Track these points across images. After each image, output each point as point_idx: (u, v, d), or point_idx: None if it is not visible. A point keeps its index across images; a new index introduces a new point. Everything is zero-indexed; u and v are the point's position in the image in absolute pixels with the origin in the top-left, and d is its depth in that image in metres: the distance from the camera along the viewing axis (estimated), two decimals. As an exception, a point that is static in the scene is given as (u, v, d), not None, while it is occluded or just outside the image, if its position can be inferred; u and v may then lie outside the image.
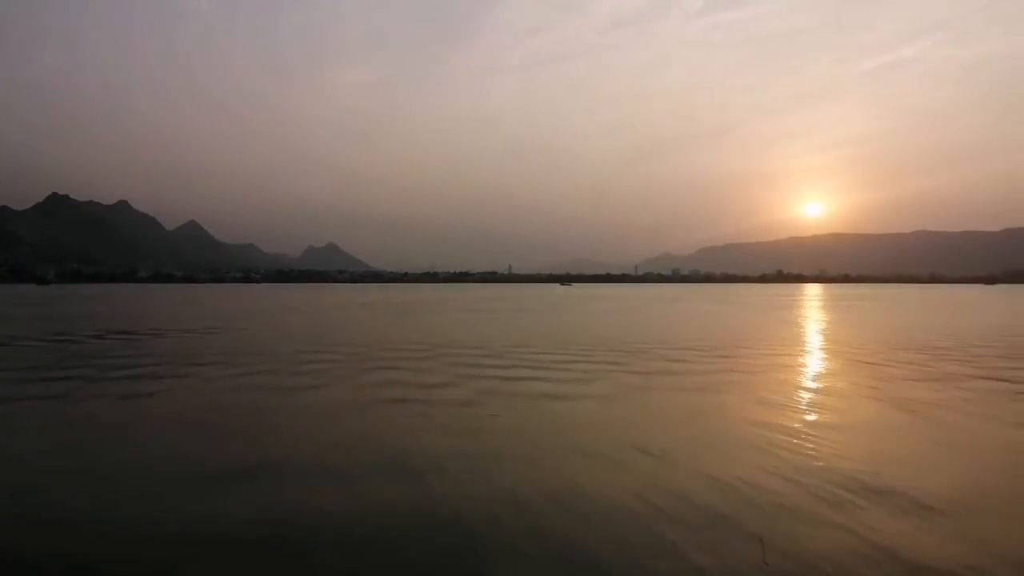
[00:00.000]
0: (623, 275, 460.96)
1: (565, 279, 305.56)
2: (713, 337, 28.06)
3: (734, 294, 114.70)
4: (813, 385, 15.20)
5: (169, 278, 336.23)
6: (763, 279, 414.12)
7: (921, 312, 52.21)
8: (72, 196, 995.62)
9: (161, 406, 12.45)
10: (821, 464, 8.43)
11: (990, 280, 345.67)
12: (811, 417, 11.37)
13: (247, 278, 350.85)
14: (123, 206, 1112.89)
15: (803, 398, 13.45)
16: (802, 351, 22.76)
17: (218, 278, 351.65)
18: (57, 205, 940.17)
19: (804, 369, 18.10)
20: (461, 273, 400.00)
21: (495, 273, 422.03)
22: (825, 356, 21.25)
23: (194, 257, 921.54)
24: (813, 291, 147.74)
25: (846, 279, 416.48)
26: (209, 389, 14.21)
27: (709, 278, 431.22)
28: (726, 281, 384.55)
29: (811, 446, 9.38)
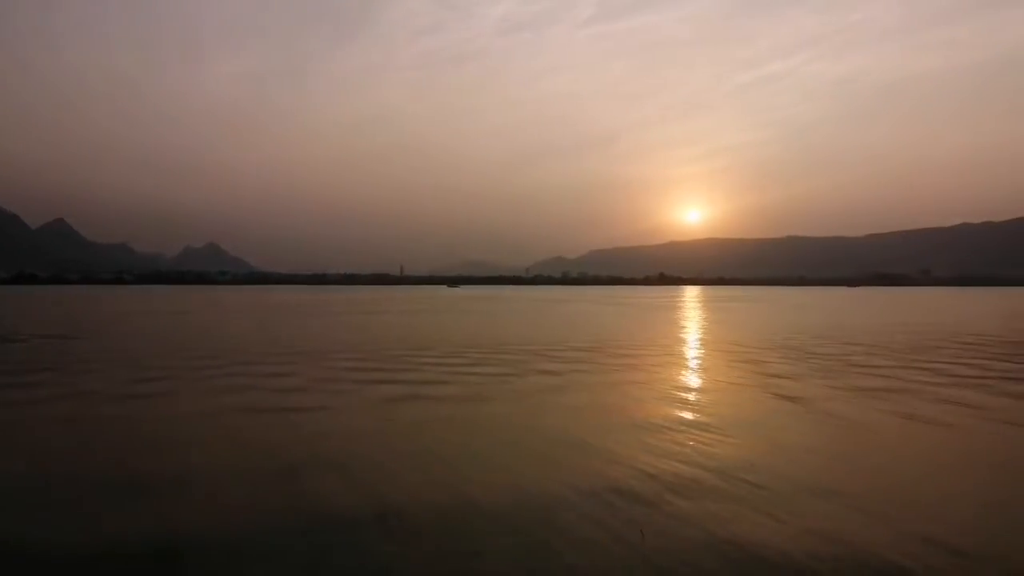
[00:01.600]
0: (515, 277, 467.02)
1: (453, 281, 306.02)
2: (594, 337, 29.72)
3: (619, 295, 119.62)
4: (690, 382, 16.73)
5: (32, 279, 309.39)
6: (647, 281, 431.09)
7: (784, 313, 56.78)
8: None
9: None
10: (699, 457, 8.80)
11: (853, 283, 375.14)
12: (689, 412, 12.30)
13: (119, 279, 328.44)
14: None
15: (680, 394, 14.85)
16: (679, 349, 24.67)
17: (87, 279, 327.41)
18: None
19: (680, 366, 19.77)
20: (351, 275, 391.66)
21: (387, 275, 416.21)
22: (702, 354, 23.22)
23: (61, 257, 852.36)
24: (692, 293, 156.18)
25: (721, 281, 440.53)
26: None
27: (597, 280, 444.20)
28: (613, 283, 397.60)
29: (690, 440, 9.97)
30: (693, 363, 19.46)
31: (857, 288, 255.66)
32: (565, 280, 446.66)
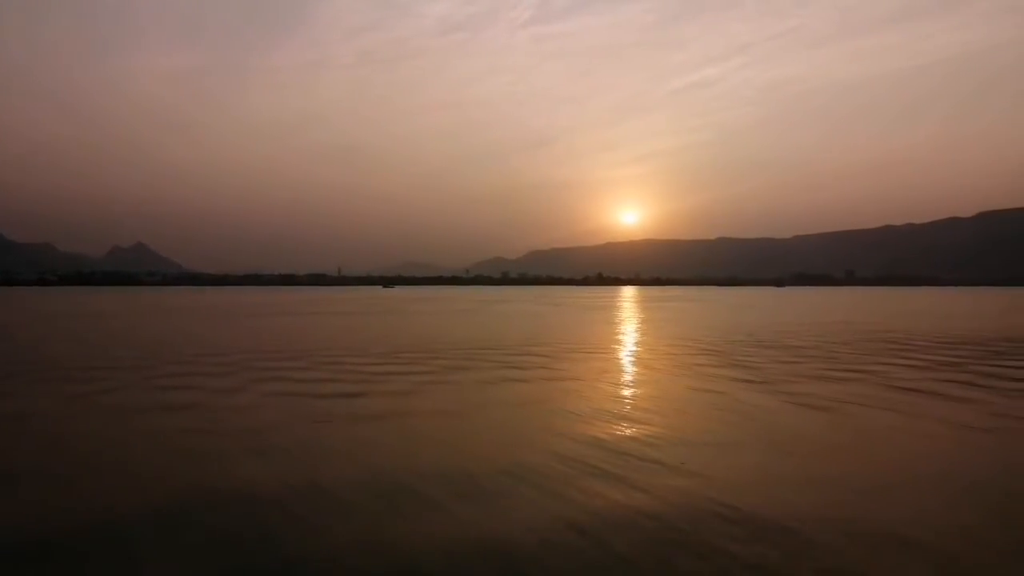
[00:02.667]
0: (455, 277, 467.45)
1: (389, 282, 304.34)
2: (535, 336, 31.27)
3: (559, 296, 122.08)
4: (623, 377, 18.41)
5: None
6: (585, 281, 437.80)
7: (716, 312, 59.71)
8: None
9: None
10: (633, 448, 9.58)
11: (779, 282, 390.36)
12: (621, 407, 13.58)
13: (42, 280, 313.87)
14: None
15: (615, 388, 16.48)
16: (615, 346, 26.46)
17: (8, 280, 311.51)
18: None
19: (615, 361, 21.48)
20: (287, 275, 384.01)
21: (324, 275, 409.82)
22: (635, 350, 25.04)
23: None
24: (629, 292, 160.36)
25: (657, 281, 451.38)
26: None
27: (537, 280, 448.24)
28: (552, 284, 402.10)
29: (623, 432, 11.24)
30: (626, 360, 21.23)
31: (785, 288, 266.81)
32: (505, 280, 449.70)
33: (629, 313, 55.13)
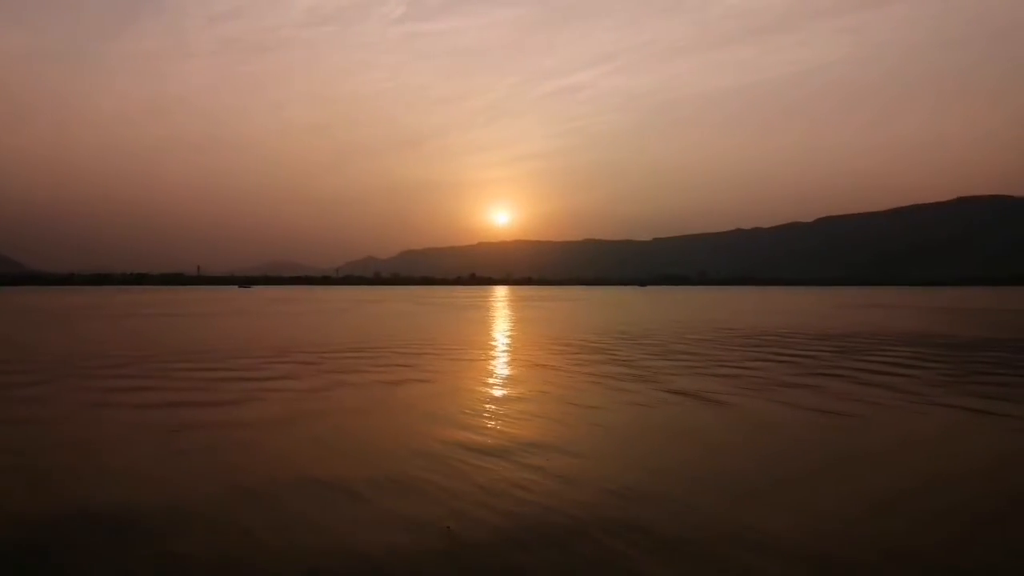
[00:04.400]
0: (325, 277, 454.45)
1: (246, 281, 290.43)
2: (405, 337, 31.70)
3: (432, 295, 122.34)
4: (493, 379, 19.29)
5: None
6: (459, 281, 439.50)
7: (588, 310, 62.40)
8: None
9: None
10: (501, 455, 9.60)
11: (642, 282, 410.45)
12: (490, 406, 14.74)
13: None
14: None
15: (485, 389, 17.30)
16: (488, 346, 27.41)
17: None
18: None
19: (484, 363, 22.36)
20: (140, 275, 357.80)
21: (181, 275, 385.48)
22: (506, 349, 26.08)
23: None
24: (501, 292, 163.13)
25: (530, 281, 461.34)
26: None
27: (409, 280, 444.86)
28: (425, 283, 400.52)
29: (490, 432, 12.46)
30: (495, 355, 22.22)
31: (647, 288, 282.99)
32: (377, 281, 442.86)
33: (503, 312, 56.57)
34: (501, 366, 19.53)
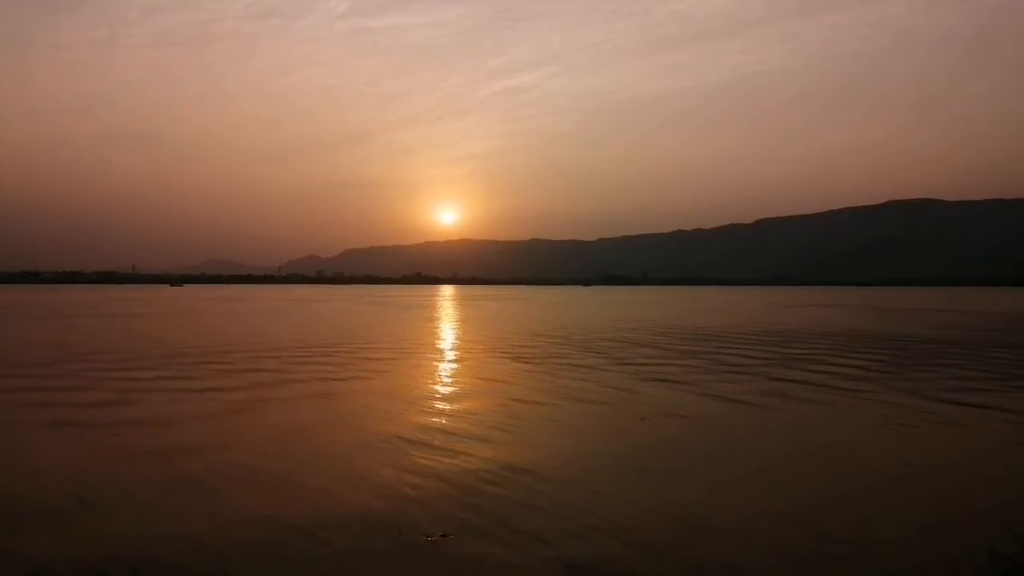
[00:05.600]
0: (267, 276, 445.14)
1: (177, 280, 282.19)
2: (345, 336, 31.85)
3: (377, 294, 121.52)
4: (441, 376, 19.80)
5: None
6: (404, 280, 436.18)
7: (531, 309, 63.23)
8: None
9: None
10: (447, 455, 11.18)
11: (587, 282, 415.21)
12: (438, 405, 15.33)
13: None
14: None
15: (435, 388, 17.79)
16: (434, 344, 27.86)
17: None
18: None
19: (433, 361, 22.83)
20: (72, 273, 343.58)
21: (115, 273, 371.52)
22: (453, 347, 26.58)
23: None
24: (448, 291, 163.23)
25: (476, 280, 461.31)
26: None
27: (353, 279, 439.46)
28: (369, 282, 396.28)
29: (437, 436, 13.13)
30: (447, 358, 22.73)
31: (591, 287, 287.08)
32: (320, 279, 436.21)
33: (448, 311, 56.91)
34: (451, 365, 20.06)
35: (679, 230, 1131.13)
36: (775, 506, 7.33)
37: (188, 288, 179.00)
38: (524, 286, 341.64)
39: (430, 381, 16.55)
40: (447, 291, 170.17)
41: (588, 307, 66.46)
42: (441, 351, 23.73)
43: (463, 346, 25.67)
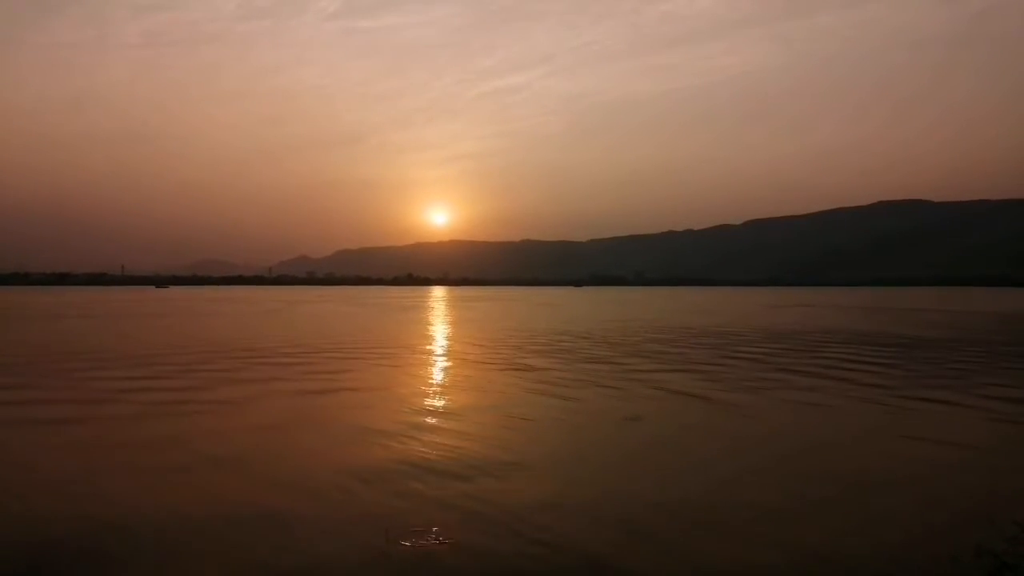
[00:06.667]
0: (257, 277, 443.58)
1: (163, 282, 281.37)
2: (338, 338, 31.57)
3: (368, 295, 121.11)
4: (433, 378, 19.56)
5: None
6: (395, 281, 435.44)
7: (523, 310, 63.04)
8: None
9: None
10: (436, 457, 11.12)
11: (579, 283, 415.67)
12: (429, 402, 15.13)
13: None
14: None
15: (425, 388, 17.55)
16: (426, 346, 27.61)
17: None
18: None
19: (423, 363, 22.59)
20: (62, 274, 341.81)
21: (105, 275, 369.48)
22: (445, 350, 26.35)
23: None
24: (439, 292, 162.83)
25: (466, 281, 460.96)
26: None
27: (344, 280, 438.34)
28: (361, 283, 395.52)
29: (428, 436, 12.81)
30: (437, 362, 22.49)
31: (583, 288, 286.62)
32: (311, 280, 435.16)
33: (440, 313, 56.64)
34: (443, 366, 19.81)
35: (670, 231, 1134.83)
36: (775, 506, 7.32)
37: (174, 289, 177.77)
38: (515, 287, 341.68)
39: (422, 383, 16.28)
40: (438, 292, 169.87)
41: (579, 308, 66.30)
42: (432, 353, 23.47)
43: (455, 347, 25.40)
